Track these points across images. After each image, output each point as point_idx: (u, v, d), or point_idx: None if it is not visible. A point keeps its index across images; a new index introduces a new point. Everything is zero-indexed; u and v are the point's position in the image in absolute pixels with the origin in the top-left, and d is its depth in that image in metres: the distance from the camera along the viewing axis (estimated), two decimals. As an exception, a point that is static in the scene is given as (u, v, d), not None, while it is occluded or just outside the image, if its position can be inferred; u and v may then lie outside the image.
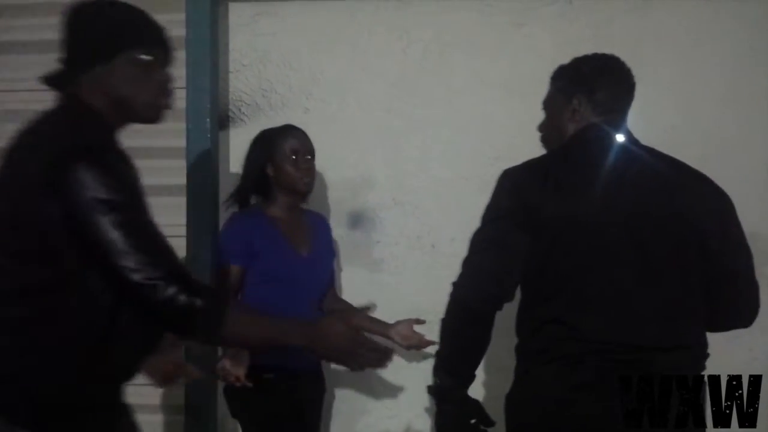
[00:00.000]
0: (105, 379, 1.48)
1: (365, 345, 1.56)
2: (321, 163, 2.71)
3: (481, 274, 1.72)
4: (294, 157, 2.33)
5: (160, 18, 2.66)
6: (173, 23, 2.66)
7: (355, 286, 2.75)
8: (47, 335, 1.39)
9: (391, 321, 2.47)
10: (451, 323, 1.76)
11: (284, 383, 2.28)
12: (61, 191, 1.31)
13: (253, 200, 2.44)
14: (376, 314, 2.55)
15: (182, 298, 1.34)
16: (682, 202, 1.73)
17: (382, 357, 1.61)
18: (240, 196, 2.40)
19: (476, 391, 1.98)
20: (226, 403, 2.40)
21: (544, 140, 1.98)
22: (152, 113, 1.54)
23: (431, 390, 1.82)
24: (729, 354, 2.32)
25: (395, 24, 2.74)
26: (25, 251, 1.38)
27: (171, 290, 1.34)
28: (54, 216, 1.32)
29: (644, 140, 2.62)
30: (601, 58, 1.89)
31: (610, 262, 1.67)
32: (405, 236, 2.75)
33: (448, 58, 2.73)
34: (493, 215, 1.76)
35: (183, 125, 2.60)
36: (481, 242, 1.75)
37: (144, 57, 1.49)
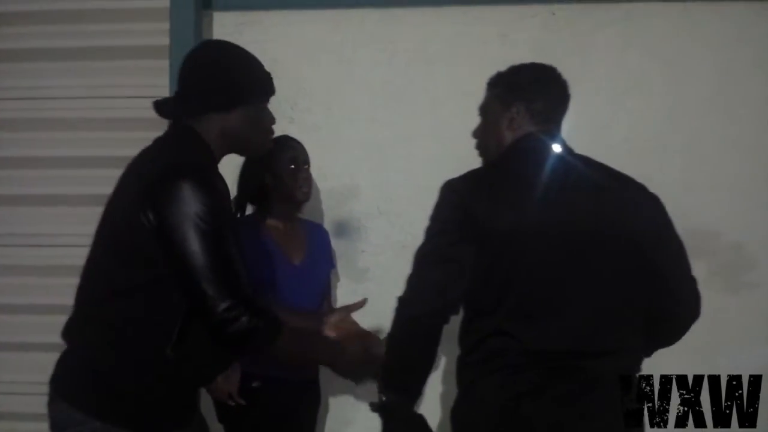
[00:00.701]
0: (172, 379, 1.59)
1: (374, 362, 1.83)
2: (306, 172, 2.72)
3: (429, 289, 1.70)
4: (293, 167, 2.36)
5: (144, 27, 2.74)
6: (157, 32, 2.69)
7: (340, 295, 2.74)
8: (130, 335, 1.54)
9: (376, 330, 2.46)
10: (399, 339, 1.74)
11: (271, 393, 2.27)
12: (159, 202, 1.47)
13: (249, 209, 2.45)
14: (361, 323, 2.53)
15: (244, 320, 1.46)
16: (618, 211, 1.74)
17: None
18: (236, 205, 2.40)
19: (433, 404, 2.01)
20: (213, 407, 2.38)
21: (480, 146, 1.97)
22: (260, 150, 1.79)
23: (376, 407, 1.77)
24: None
25: (380, 34, 2.76)
26: (124, 255, 1.54)
27: (235, 312, 1.46)
28: (150, 225, 1.47)
29: (628, 148, 2.66)
30: (539, 68, 1.90)
31: (551, 273, 1.67)
32: (390, 245, 2.75)
33: (433, 69, 2.75)
34: (438, 228, 1.74)
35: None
36: (427, 255, 1.73)
37: (261, 105, 1.72)
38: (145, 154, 1.64)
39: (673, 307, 1.83)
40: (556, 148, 1.81)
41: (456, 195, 1.74)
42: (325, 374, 2.67)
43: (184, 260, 1.46)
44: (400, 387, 1.74)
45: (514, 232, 1.66)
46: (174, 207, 1.46)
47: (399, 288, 2.69)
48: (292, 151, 2.38)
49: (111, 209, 1.61)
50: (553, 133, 1.84)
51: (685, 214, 2.64)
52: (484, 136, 1.94)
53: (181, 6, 2.68)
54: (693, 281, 1.85)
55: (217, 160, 1.71)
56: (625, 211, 1.75)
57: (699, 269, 2.62)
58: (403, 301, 1.73)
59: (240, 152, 1.78)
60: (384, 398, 1.74)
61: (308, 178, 2.42)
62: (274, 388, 2.28)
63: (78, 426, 1.51)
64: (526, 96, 1.83)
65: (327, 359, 1.80)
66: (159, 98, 1.71)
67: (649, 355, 1.80)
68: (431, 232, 1.74)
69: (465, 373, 1.75)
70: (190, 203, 1.45)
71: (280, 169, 2.36)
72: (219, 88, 1.65)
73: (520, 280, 1.67)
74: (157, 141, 1.67)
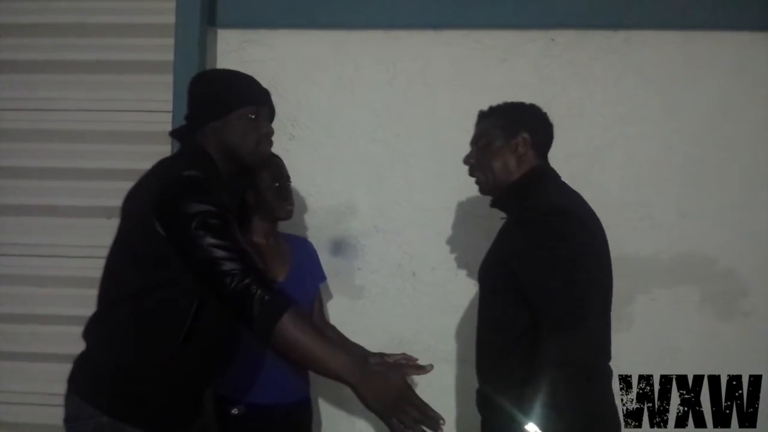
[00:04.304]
0: (184, 379, 1.69)
1: (416, 405, 1.45)
2: (305, 189, 2.74)
3: (596, 343, 1.68)
4: (277, 184, 2.29)
5: (149, 42, 2.77)
6: (162, 48, 2.71)
7: (335, 312, 2.75)
8: (138, 334, 1.63)
9: (369, 349, 2.46)
10: (585, 392, 1.63)
11: (254, 420, 2.18)
12: (164, 215, 1.58)
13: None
14: (356, 341, 2.54)
15: (254, 288, 1.52)
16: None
17: (429, 423, 1.43)
18: None
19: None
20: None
21: (478, 172, 2.05)
22: (255, 159, 1.87)
23: None
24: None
25: (382, 55, 2.79)
26: (138, 259, 1.64)
27: (247, 280, 1.53)
28: (160, 232, 1.58)
29: (623, 176, 2.69)
30: (531, 106, 2.05)
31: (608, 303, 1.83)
32: (386, 264, 2.77)
33: (433, 90, 2.77)
34: (572, 268, 1.69)
35: (169, 149, 2.61)
36: (577, 305, 1.66)
37: (250, 115, 1.83)
38: (156, 167, 1.76)
39: None
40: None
41: (583, 230, 1.75)
42: (321, 390, 2.68)
43: (199, 258, 1.55)
44: None
45: (603, 265, 1.80)
46: (176, 218, 1.57)
47: (394, 306, 2.74)
48: (275, 168, 2.29)
49: (126, 217, 1.72)
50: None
51: (681, 240, 2.69)
52: (485, 163, 2.02)
53: (186, 23, 2.71)
54: None
55: (221, 171, 1.81)
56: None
57: (693, 295, 2.69)
58: (581, 352, 1.64)
59: (239, 163, 1.85)
60: None
61: (291, 196, 2.34)
62: (257, 415, 2.18)
63: (87, 419, 1.63)
64: (530, 127, 1.98)
65: (346, 377, 1.49)
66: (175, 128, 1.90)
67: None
68: (566, 273, 1.67)
69: (590, 395, 1.71)
70: (189, 209, 1.56)
71: (264, 187, 2.27)
72: (209, 100, 1.84)
73: (609, 311, 1.81)
74: (170, 156, 1.84)
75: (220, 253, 1.54)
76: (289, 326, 1.51)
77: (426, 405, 1.45)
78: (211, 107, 1.83)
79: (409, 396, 1.45)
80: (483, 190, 2.07)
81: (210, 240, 1.55)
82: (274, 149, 2.43)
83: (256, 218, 2.30)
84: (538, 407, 1.61)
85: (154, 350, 1.64)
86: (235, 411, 2.17)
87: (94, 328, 1.73)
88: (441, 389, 2.59)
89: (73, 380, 1.72)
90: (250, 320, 1.52)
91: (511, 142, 1.97)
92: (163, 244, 1.58)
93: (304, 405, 2.38)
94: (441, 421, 1.43)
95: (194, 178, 1.63)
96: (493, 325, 1.89)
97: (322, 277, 2.53)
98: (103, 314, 1.72)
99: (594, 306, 1.70)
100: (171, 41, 2.70)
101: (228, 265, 1.53)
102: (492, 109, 2.07)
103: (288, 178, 2.34)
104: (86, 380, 1.69)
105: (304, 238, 2.61)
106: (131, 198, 1.74)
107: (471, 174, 2.08)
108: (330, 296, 2.76)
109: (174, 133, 1.92)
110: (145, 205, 1.62)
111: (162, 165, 1.76)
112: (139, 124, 2.67)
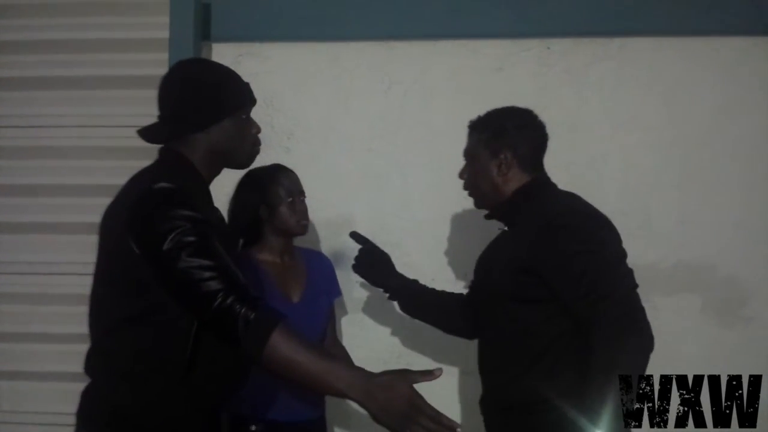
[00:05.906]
0: (189, 406, 1.58)
1: (428, 415, 1.35)
2: (302, 202, 2.72)
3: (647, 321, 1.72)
4: (290, 199, 2.25)
5: (144, 57, 2.76)
6: (156, 63, 2.70)
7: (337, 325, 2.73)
8: (138, 366, 1.53)
9: (370, 362, 2.44)
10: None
11: None
12: (137, 230, 1.47)
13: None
14: (355, 355, 2.52)
15: (237, 307, 1.41)
16: None
17: None
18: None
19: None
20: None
21: (471, 189, 2.05)
22: (250, 160, 1.78)
23: None
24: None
25: (377, 66, 2.78)
26: (121, 283, 1.53)
27: (229, 300, 1.42)
28: (137, 253, 1.47)
29: (622, 183, 2.68)
30: (520, 114, 2.01)
31: None
32: (385, 276, 2.74)
33: (429, 101, 2.77)
34: (621, 260, 1.81)
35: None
36: (631, 290, 1.76)
37: (243, 115, 1.71)
38: (131, 182, 1.63)
39: None
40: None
41: (611, 231, 1.84)
42: (335, 408, 2.66)
43: (175, 279, 1.44)
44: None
45: None
46: (149, 237, 1.45)
47: (393, 319, 2.72)
48: (288, 182, 2.27)
49: (103, 238, 1.61)
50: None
51: (680, 248, 2.68)
52: (475, 181, 2.03)
53: (180, 37, 2.71)
54: None
55: (208, 179, 1.70)
56: None
57: (694, 303, 2.67)
58: (648, 337, 1.69)
59: (229, 166, 1.75)
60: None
61: (305, 210, 2.31)
62: None
63: None
64: (513, 142, 1.95)
65: (350, 392, 1.39)
66: (143, 126, 1.70)
67: None
68: (612, 278, 1.74)
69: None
70: (161, 227, 1.44)
71: (276, 201, 2.24)
72: (197, 108, 1.65)
73: None
74: (144, 168, 1.66)
75: (198, 273, 1.42)
76: (281, 345, 1.39)
77: (439, 413, 1.35)
78: (203, 115, 1.65)
79: (419, 405, 1.35)
80: (476, 205, 2.09)
81: (186, 260, 1.42)
82: (270, 162, 2.44)
83: (270, 234, 2.27)
84: (605, 420, 1.58)
85: (156, 379, 1.54)
86: (253, 428, 2.14)
87: (92, 363, 1.62)
88: (442, 403, 2.56)
89: (79, 415, 1.62)
90: (236, 342, 1.41)
91: (492, 162, 1.96)
92: (141, 266, 1.47)
93: (320, 424, 2.34)
94: (458, 429, 1.35)
95: (167, 190, 1.50)
96: (519, 333, 1.86)
97: (337, 293, 2.46)
98: (98, 347, 1.61)
99: (641, 306, 1.72)
100: (165, 56, 2.69)
101: (207, 286, 1.41)
102: (478, 120, 2.05)
103: (302, 192, 2.31)
104: (91, 414, 1.60)
105: (320, 252, 2.55)
106: (108, 216, 1.61)
107: (465, 188, 2.08)
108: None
109: (146, 135, 1.69)
110: (119, 224, 1.51)
111: (137, 178, 1.62)
112: (135, 140, 2.63)
